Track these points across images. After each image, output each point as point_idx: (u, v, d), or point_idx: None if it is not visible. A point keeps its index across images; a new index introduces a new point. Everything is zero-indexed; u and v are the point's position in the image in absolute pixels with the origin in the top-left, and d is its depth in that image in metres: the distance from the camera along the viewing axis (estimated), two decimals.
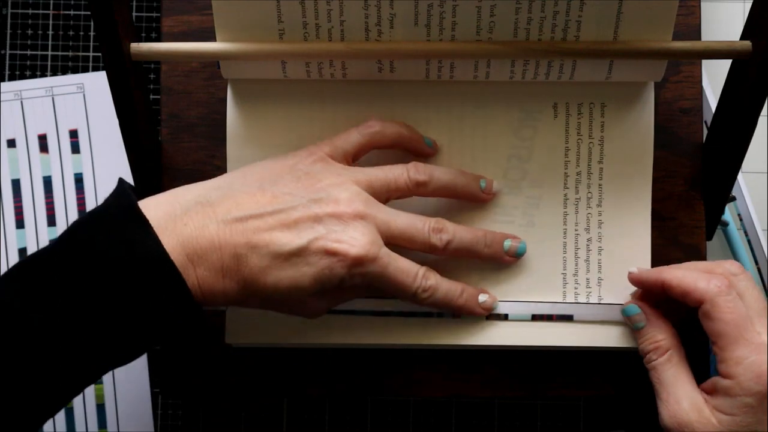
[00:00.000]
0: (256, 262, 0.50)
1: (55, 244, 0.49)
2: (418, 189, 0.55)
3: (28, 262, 0.49)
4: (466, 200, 0.59)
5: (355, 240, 0.51)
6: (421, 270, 0.54)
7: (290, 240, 0.51)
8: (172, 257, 0.49)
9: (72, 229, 0.50)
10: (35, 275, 0.48)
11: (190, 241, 0.50)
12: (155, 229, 0.49)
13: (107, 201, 0.51)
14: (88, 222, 0.50)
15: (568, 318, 0.59)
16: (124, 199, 0.50)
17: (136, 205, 0.50)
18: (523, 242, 0.59)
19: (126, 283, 0.48)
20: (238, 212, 0.51)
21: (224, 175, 0.54)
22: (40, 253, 0.49)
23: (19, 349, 0.47)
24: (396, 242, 0.54)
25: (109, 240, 0.48)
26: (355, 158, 0.56)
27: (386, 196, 0.55)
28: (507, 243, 0.58)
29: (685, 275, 0.53)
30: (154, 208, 0.50)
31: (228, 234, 0.50)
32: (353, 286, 0.53)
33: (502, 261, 0.58)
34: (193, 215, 0.51)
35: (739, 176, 0.67)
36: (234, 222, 0.51)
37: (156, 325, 0.49)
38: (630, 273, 0.57)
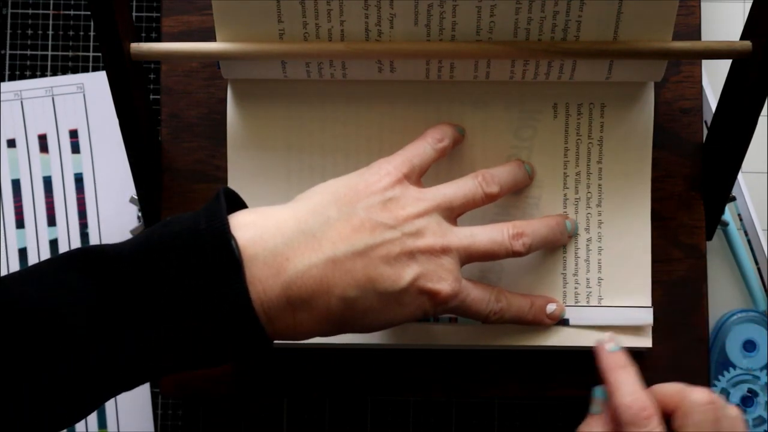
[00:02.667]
0: (362, 303, 0.49)
1: (134, 254, 0.47)
2: (489, 200, 0.55)
3: (98, 257, 0.47)
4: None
5: (444, 279, 0.51)
6: (493, 295, 0.55)
7: (394, 281, 0.49)
8: (272, 304, 0.47)
9: (151, 246, 0.47)
10: (105, 275, 0.46)
11: (295, 283, 0.48)
12: (253, 262, 0.47)
13: (198, 222, 0.47)
14: (170, 243, 0.47)
15: (563, 322, 0.59)
16: (217, 224, 0.47)
17: (230, 236, 0.47)
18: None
19: (198, 320, 0.46)
20: (344, 246, 0.49)
21: (310, 196, 0.51)
22: (115, 255, 0.47)
23: (61, 343, 0.45)
24: (477, 261, 0.54)
25: (190, 273, 0.46)
26: (423, 174, 0.55)
27: (462, 211, 0.54)
28: (568, 224, 0.59)
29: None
30: (252, 234, 0.48)
31: (337, 275, 0.48)
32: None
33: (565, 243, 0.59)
34: (296, 249, 0.48)
35: (739, 176, 0.67)
36: (343, 260, 0.49)
37: (220, 358, 0.48)
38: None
